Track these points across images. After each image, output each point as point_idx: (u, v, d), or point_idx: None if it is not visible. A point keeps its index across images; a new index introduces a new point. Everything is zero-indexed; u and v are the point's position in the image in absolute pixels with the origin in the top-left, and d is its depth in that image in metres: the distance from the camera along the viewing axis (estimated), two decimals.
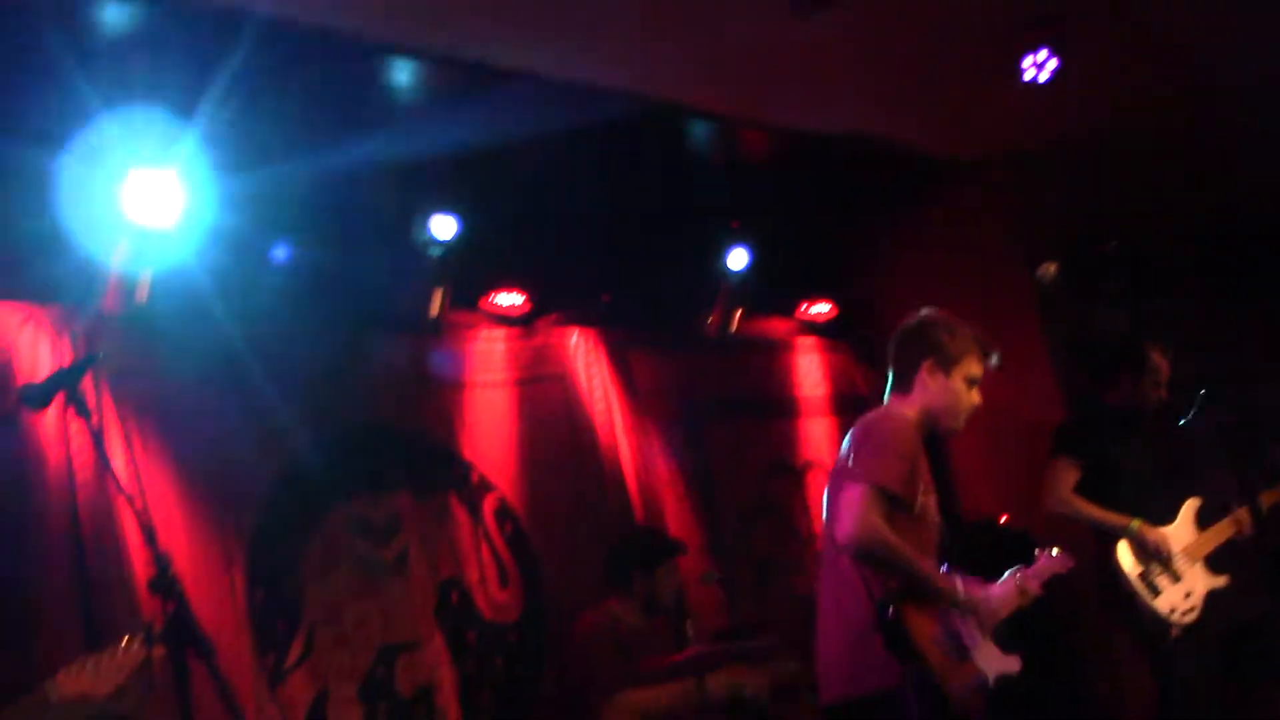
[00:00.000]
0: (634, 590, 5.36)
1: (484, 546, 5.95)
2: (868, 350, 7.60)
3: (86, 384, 2.67)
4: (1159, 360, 5.43)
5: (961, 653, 3.73)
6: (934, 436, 4.02)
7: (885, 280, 7.47)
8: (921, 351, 3.94)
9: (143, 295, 4.88)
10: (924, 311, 4.09)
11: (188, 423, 5.19)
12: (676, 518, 6.45)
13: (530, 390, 6.33)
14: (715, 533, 6.62)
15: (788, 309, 7.43)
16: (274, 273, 5.38)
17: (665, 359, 6.85)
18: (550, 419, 6.35)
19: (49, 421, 4.77)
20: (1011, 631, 3.94)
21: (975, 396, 3.95)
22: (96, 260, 4.88)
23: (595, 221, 6.09)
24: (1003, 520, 4.26)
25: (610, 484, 6.38)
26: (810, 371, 7.42)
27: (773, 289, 6.97)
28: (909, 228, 7.27)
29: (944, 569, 3.86)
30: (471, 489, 6.00)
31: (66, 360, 4.77)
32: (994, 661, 3.81)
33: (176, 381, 5.20)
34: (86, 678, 2.54)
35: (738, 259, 6.55)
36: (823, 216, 6.96)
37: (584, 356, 6.54)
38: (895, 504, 3.69)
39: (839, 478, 3.80)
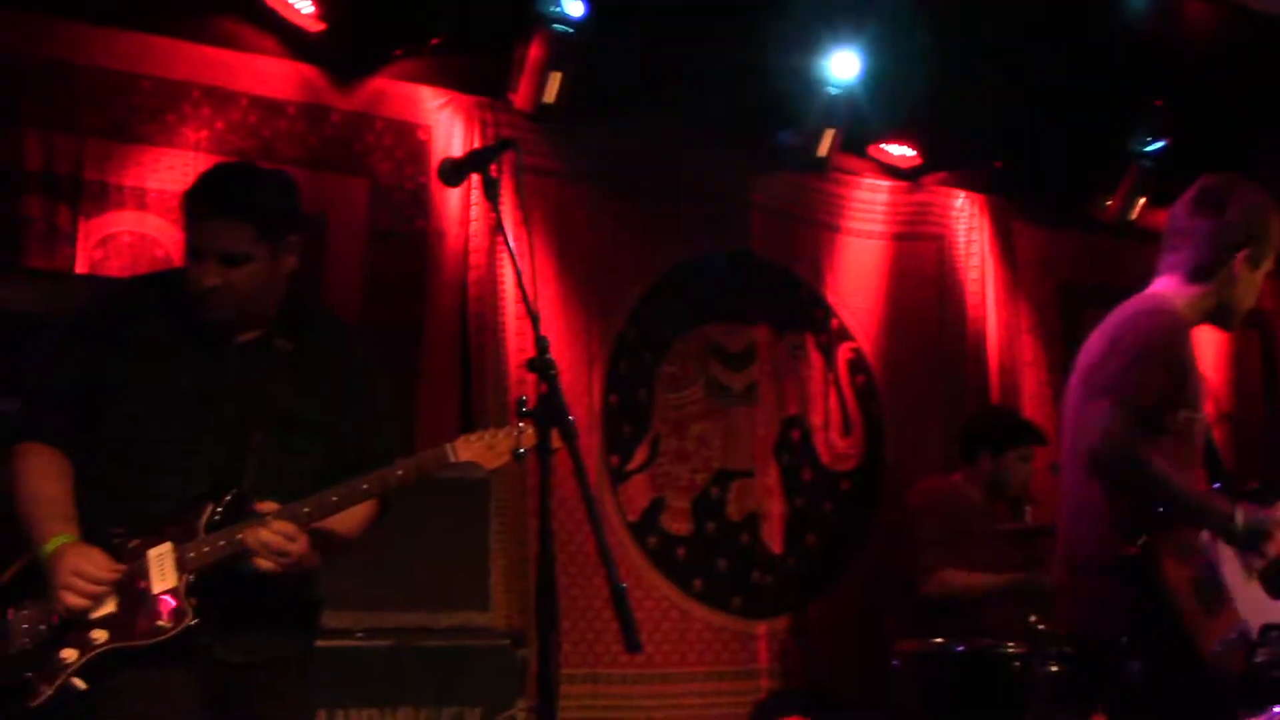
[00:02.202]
0: (980, 469, 5.22)
1: (832, 393, 5.96)
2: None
3: (493, 170, 2.75)
4: None
5: (1220, 600, 3.14)
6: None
7: None
8: (1242, 237, 3.25)
9: (552, 94, 5.05)
10: (1243, 185, 3.33)
11: (574, 223, 5.41)
12: (1034, 401, 6.22)
13: (905, 246, 6.21)
14: None
15: None
16: (673, 87, 5.41)
17: (1052, 236, 6.53)
18: (920, 279, 6.23)
19: (454, 199, 5.10)
20: None
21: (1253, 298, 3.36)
22: (513, 55, 5.09)
23: (1000, 81, 5.76)
24: None
25: (970, 355, 6.22)
26: None
27: (1185, 180, 6.42)
28: None
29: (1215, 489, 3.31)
30: (830, 334, 6.00)
31: (476, 145, 5.05)
32: (1261, 608, 3.22)
33: (569, 183, 5.42)
34: (480, 449, 2.74)
35: (1151, 142, 6.08)
36: (1252, 110, 6.32)
37: (966, 221, 6.33)
38: (1149, 417, 3.13)
39: (1087, 384, 3.26)
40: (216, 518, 2.63)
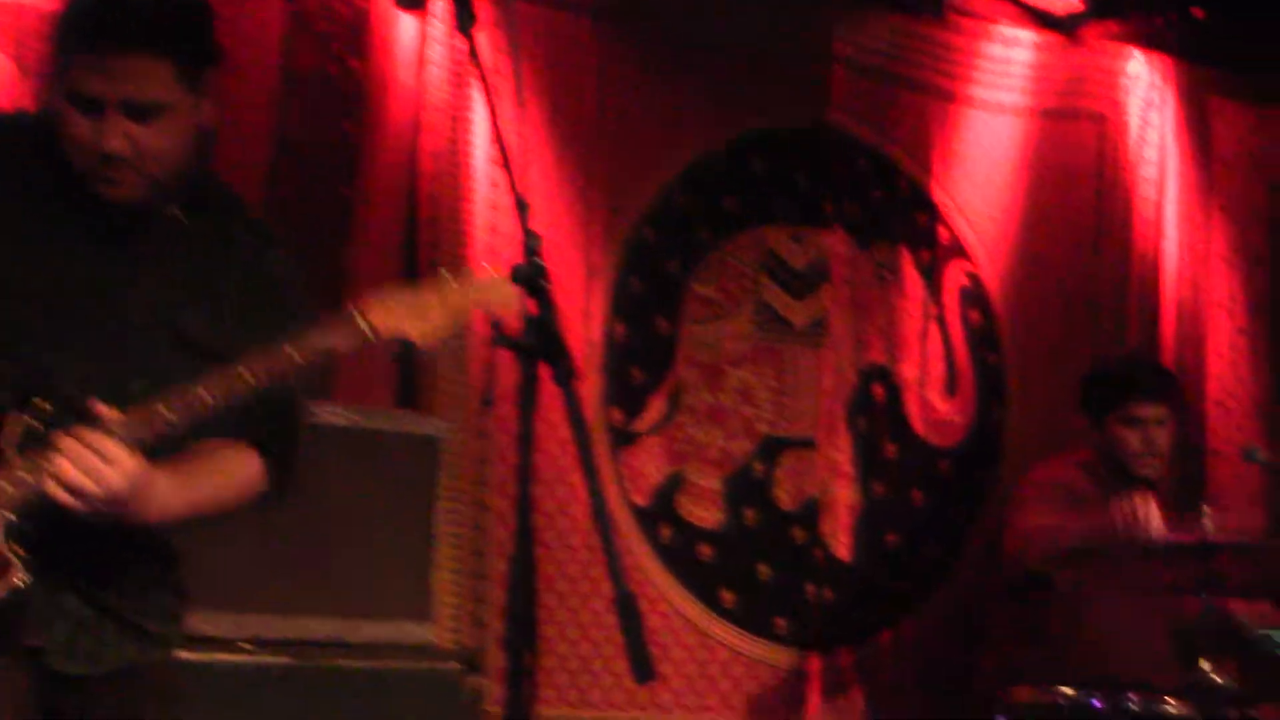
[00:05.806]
0: (1095, 441, 5.29)
1: (934, 333, 5.99)
2: None
3: None
4: None
5: None
6: None
7: None
8: None
9: None
10: None
11: (577, 75, 5.42)
12: (1223, 356, 6.26)
13: (1053, 127, 6.22)
14: None
15: None
16: None
17: (1269, 121, 6.52)
18: (1073, 174, 6.25)
19: (406, 33, 5.09)
20: None
21: None
22: None
23: None
24: None
25: (1135, 288, 6.26)
26: None
27: None
28: None
29: None
30: (936, 249, 6.01)
31: None
32: None
33: (573, 17, 5.43)
34: (402, 314, 2.64)
35: None
36: None
37: (1144, 92, 6.34)
38: None
39: None
40: (34, 431, 2.55)
